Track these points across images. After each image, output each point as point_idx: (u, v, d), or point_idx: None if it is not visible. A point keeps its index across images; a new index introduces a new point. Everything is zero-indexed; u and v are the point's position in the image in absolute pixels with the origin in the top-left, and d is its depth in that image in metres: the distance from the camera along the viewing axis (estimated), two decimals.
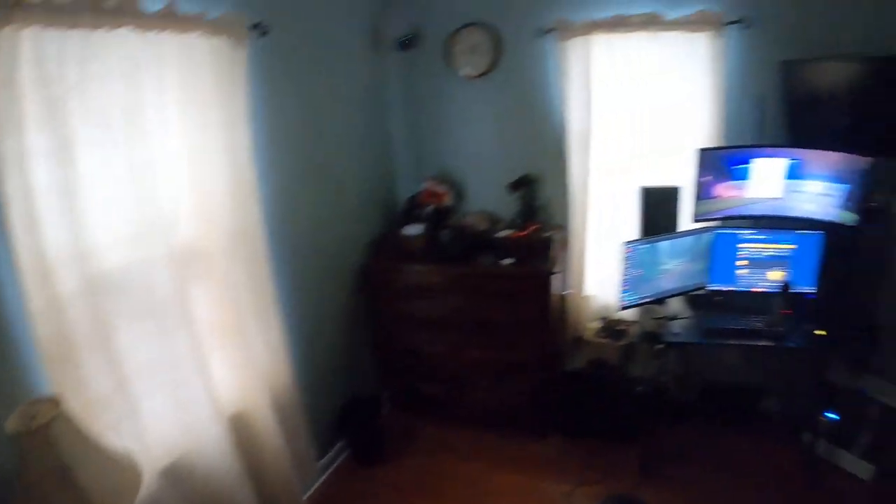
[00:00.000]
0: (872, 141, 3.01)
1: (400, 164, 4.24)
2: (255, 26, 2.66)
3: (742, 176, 3.29)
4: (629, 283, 3.25)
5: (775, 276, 3.40)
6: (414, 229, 3.74)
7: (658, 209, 3.46)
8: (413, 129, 4.10)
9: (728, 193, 3.34)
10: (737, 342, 3.22)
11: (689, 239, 3.35)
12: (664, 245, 3.28)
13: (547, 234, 3.69)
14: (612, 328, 3.74)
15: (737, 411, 3.84)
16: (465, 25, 3.78)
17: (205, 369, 2.37)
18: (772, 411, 3.82)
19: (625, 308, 3.32)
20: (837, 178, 3.15)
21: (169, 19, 2.15)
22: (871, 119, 3.06)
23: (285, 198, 3.05)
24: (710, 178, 3.28)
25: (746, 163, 3.26)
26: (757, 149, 3.27)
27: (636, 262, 3.22)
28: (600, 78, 3.55)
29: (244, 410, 2.66)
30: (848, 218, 3.15)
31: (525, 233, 3.65)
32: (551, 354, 3.71)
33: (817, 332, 3.08)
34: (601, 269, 3.89)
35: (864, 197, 3.07)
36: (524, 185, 3.81)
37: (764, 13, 3.36)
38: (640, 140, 3.66)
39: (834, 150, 3.11)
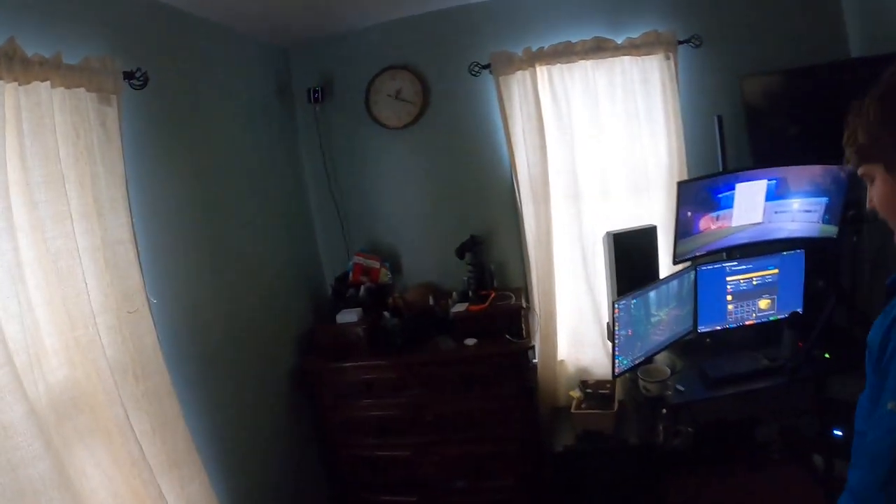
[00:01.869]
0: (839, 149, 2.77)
1: (322, 239, 3.54)
2: (130, 75, 1.96)
3: (727, 204, 2.88)
4: (622, 346, 2.73)
5: (765, 304, 3.05)
6: (350, 315, 3.06)
7: (633, 255, 2.97)
8: (334, 194, 3.41)
9: (713, 226, 2.92)
10: (750, 387, 2.74)
11: (674, 283, 2.89)
12: (652, 295, 2.80)
13: (510, 302, 3.10)
14: (596, 394, 3.17)
15: (735, 447, 3.34)
16: (386, 69, 3.22)
17: None
18: (771, 439, 3.38)
19: (620, 374, 2.79)
20: (816, 192, 2.90)
21: (8, 62, 1.44)
22: (836, 127, 2.82)
23: (188, 300, 2.29)
24: (691, 212, 2.83)
25: (732, 189, 2.86)
26: (738, 173, 2.87)
27: (626, 321, 2.71)
28: (549, 115, 3.06)
29: None
30: (829, 231, 2.96)
31: (485, 305, 3.06)
32: (533, 437, 3.09)
33: (825, 355, 2.79)
34: (573, 330, 3.37)
35: (845, 206, 2.86)
36: (472, 248, 3.21)
37: (713, 30, 3.08)
38: (603, 180, 3.19)
39: (812, 163, 2.83)
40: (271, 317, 2.94)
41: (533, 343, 2.98)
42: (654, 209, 3.20)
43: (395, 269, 3.42)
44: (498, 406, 2.94)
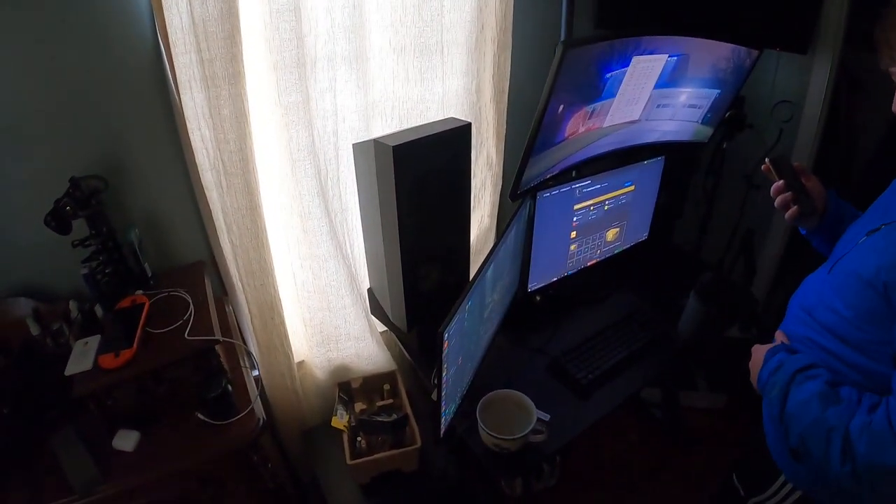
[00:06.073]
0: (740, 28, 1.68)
1: None
2: None
3: (611, 92, 1.47)
4: (449, 391, 1.31)
5: (612, 234, 1.93)
6: None
7: (431, 185, 1.42)
8: None
9: (582, 127, 1.50)
10: (633, 385, 1.63)
11: (512, 233, 1.52)
12: (490, 273, 1.40)
13: (182, 321, 1.31)
14: (372, 420, 1.72)
15: None
16: None
17: None
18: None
19: (446, 435, 1.39)
20: (712, 82, 1.69)
21: None
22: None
23: None
24: (564, 105, 1.35)
25: (626, 66, 1.42)
26: (639, 39, 1.41)
27: (457, 349, 1.28)
28: None
29: None
30: (703, 133, 1.89)
31: (129, 353, 1.20)
32: None
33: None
34: (316, 318, 1.77)
35: (732, 104, 1.85)
36: (84, 207, 1.27)
37: None
38: (358, 27, 1.44)
39: (723, 39, 1.59)
40: None
41: (261, 417, 1.33)
42: (449, 89, 1.66)
43: None
44: None
